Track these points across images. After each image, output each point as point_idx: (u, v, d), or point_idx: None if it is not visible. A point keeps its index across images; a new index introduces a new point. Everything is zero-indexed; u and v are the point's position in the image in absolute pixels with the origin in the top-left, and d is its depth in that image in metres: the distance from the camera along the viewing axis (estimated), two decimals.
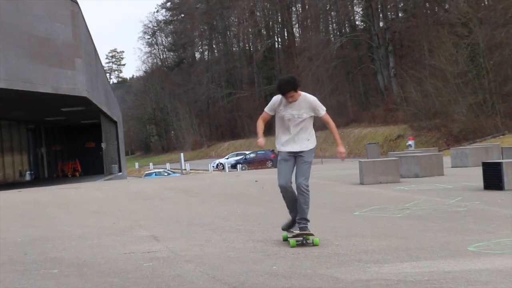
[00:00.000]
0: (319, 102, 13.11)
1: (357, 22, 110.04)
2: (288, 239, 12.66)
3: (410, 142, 61.68)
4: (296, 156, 12.93)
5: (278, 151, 12.83)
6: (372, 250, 11.43)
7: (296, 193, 12.88)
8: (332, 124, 13.13)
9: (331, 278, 9.12)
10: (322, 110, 12.99)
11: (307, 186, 12.79)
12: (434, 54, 76.41)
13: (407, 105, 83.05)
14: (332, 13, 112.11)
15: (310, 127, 13.04)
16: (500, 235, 12.32)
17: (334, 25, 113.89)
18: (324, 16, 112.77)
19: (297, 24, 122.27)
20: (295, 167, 12.97)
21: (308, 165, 12.85)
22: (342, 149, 13.04)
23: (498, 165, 21.35)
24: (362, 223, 15.28)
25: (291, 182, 12.89)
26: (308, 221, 12.81)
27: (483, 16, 73.56)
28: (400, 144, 73.08)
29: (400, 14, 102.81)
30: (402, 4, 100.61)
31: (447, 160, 31.86)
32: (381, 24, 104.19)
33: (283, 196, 13.09)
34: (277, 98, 12.91)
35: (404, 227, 14.20)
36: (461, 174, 26.40)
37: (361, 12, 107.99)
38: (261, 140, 12.89)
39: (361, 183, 24.90)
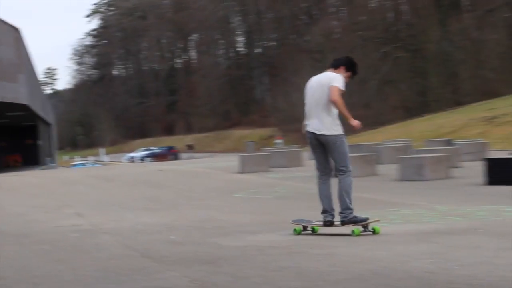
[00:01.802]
0: None
1: (240, 49, 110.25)
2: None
3: (278, 141, 61.85)
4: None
5: (342, 134, 9.65)
6: (248, 223, 11.49)
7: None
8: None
9: (216, 244, 9.15)
10: None
11: None
12: (297, 73, 77.10)
13: (277, 112, 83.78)
14: (221, 41, 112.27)
15: None
16: None
17: (223, 50, 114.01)
18: (215, 43, 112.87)
19: (194, 49, 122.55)
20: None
21: None
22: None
23: None
24: (241, 203, 15.32)
25: None
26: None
27: (334, 45, 74.65)
28: (271, 142, 73.35)
29: (273, 43, 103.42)
30: (274, 35, 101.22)
31: (306, 154, 32.10)
32: (258, 50, 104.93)
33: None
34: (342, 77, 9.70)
35: (273, 206, 14.29)
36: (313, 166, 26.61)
37: (243, 41, 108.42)
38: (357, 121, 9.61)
39: (241, 172, 24.94)
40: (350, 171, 9.56)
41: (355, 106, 73.08)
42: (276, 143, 58.26)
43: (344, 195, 9.37)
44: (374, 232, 9.31)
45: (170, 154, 75.25)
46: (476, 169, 18.63)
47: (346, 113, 9.49)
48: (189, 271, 7.18)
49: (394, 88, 70.42)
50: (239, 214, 13.05)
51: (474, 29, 62.17)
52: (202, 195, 17.42)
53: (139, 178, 24.27)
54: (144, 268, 7.56)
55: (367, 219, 9.42)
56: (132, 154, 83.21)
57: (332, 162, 9.87)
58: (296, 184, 19.43)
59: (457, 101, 55.86)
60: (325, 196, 9.70)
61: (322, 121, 9.51)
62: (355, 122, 9.52)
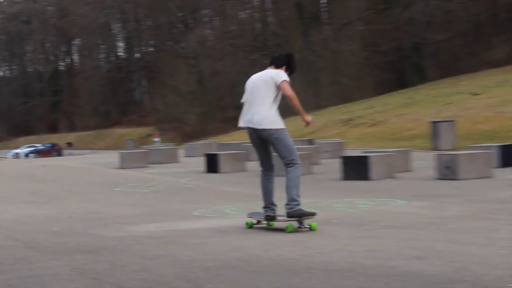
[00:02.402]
0: None
1: (120, 53, 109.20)
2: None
3: (156, 139, 61.44)
4: None
5: (284, 128, 8.85)
6: (127, 215, 11.41)
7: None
8: None
9: (97, 235, 9.05)
10: None
11: None
12: (174, 77, 76.99)
13: (155, 113, 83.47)
14: (102, 46, 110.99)
15: None
16: (216, 204, 12.53)
17: (104, 54, 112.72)
18: (96, 48, 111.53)
19: (77, 53, 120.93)
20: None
21: None
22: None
23: (215, 156, 21.71)
24: (121, 196, 15.19)
25: None
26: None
27: (207, 52, 74.96)
28: (149, 140, 72.94)
29: (151, 49, 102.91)
30: (152, 42, 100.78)
31: (181, 152, 32.09)
32: (137, 55, 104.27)
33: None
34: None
35: (150, 199, 14.23)
36: (191, 162, 26.61)
37: (123, 47, 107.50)
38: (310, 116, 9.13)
39: (121, 168, 24.71)
40: (299, 163, 8.79)
41: (227, 108, 73.80)
42: (154, 141, 57.92)
43: (292, 186, 8.61)
44: (311, 228, 8.48)
45: (53, 150, 74.03)
46: (334, 166, 19.01)
47: (300, 108, 8.80)
48: (70, 260, 7.07)
49: None
50: (119, 206, 12.93)
51: (333, 40, 63.41)
52: (84, 189, 17.19)
53: (23, 173, 23.73)
54: (26, 257, 7.40)
55: (314, 214, 8.61)
56: (17, 151, 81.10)
57: (274, 158, 9.10)
58: (171, 179, 19.39)
59: (318, 105, 56.77)
60: (266, 191, 9.01)
61: (263, 115, 8.68)
62: (308, 118, 8.95)
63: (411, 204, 11.38)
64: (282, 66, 9.02)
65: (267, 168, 9.04)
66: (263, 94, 8.72)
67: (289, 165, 8.67)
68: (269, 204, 8.91)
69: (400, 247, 6.98)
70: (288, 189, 8.61)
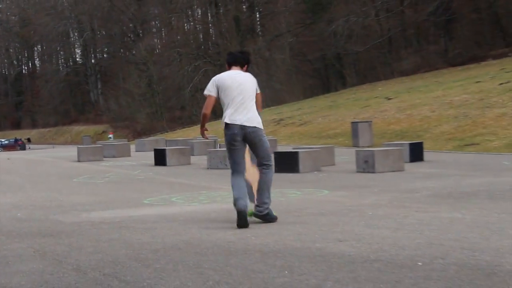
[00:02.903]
0: None
1: (78, 59, 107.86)
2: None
3: (110, 135, 60.81)
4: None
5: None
6: (84, 203, 11.28)
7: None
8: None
9: (57, 221, 8.94)
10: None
11: None
12: (126, 81, 76.42)
13: (109, 112, 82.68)
14: (61, 52, 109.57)
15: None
16: (164, 193, 12.46)
17: (63, 60, 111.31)
18: (56, 54, 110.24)
19: (38, 58, 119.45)
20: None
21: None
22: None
23: (163, 151, 21.61)
24: (78, 186, 15.02)
25: None
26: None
27: (156, 59, 74.61)
28: (104, 136, 72.09)
29: (105, 55, 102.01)
30: (106, 49, 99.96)
31: (133, 147, 31.86)
32: (93, 60, 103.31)
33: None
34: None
35: (105, 189, 14.08)
36: (141, 156, 26.46)
37: (79, 52, 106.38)
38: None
39: (78, 161, 24.40)
40: (272, 165, 8.13)
41: (173, 109, 73.55)
42: (109, 137, 57.33)
43: (265, 189, 7.86)
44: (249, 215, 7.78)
45: (17, 145, 72.88)
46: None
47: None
48: (33, 243, 6.98)
49: (203, 94, 71.22)
50: (77, 195, 12.79)
51: (266, 50, 63.65)
52: (45, 179, 16.96)
53: None
54: None
55: (276, 218, 7.91)
56: None
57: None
58: (124, 171, 19.25)
59: None
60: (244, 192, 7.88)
61: (255, 115, 7.93)
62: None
63: (334, 193, 11.48)
64: (245, 66, 8.31)
65: (242, 172, 7.99)
66: (252, 96, 8.00)
67: (265, 167, 7.98)
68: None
69: (324, 231, 7.03)
70: (261, 191, 7.88)
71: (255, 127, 7.88)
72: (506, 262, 5.07)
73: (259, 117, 8.01)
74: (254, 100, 8.04)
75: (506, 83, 30.31)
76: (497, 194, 10.20)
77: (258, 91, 8.16)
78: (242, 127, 7.84)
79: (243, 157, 8.08)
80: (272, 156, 8.04)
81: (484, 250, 5.59)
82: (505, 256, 5.33)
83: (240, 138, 7.88)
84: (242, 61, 8.33)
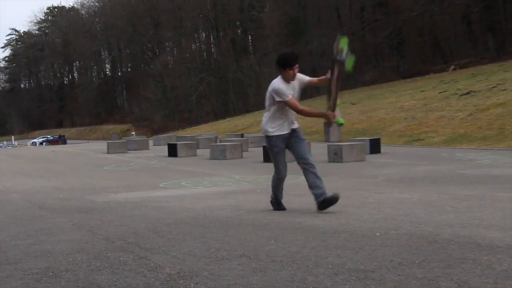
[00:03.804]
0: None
1: (107, 72, 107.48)
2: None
3: (133, 133, 60.56)
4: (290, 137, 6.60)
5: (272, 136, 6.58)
6: (112, 186, 11.26)
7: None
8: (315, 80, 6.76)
9: (91, 200, 8.91)
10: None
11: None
12: (145, 89, 76.14)
13: (132, 114, 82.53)
14: (94, 67, 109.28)
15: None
16: (175, 179, 12.44)
17: (96, 73, 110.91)
18: (90, 68, 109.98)
19: (76, 71, 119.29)
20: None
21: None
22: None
23: (175, 145, 21.55)
24: (108, 173, 14.99)
25: None
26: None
27: (169, 72, 74.47)
28: (128, 133, 71.90)
29: (129, 69, 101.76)
30: (130, 64, 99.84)
31: (151, 142, 31.81)
32: (119, 73, 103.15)
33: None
34: (281, 81, 6.45)
35: (129, 175, 14.06)
36: (158, 149, 26.43)
37: (109, 67, 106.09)
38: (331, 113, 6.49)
39: (108, 153, 24.34)
40: (307, 164, 6.71)
41: (183, 111, 73.31)
42: (132, 134, 57.15)
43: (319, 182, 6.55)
44: None
45: (60, 140, 72.53)
46: (258, 153, 19.09)
47: (315, 113, 6.88)
48: (72, 218, 6.96)
49: (207, 100, 71.06)
50: (106, 180, 12.77)
51: (256, 65, 63.63)
52: (81, 168, 16.91)
53: (38, 156, 23.23)
54: (40, 216, 7.25)
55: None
56: (33, 140, 79.19)
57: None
58: (144, 161, 19.23)
59: (247, 110, 56.90)
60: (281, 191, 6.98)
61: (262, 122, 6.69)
62: (332, 114, 6.61)
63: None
64: (280, 69, 6.52)
65: (285, 175, 6.92)
66: (267, 104, 6.67)
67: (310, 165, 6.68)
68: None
69: (303, 208, 7.03)
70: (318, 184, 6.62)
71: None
72: (445, 232, 5.08)
73: (264, 126, 6.65)
74: (268, 108, 6.55)
75: (444, 92, 30.39)
76: (437, 179, 10.22)
77: (278, 99, 6.42)
78: (293, 130, 6.73)
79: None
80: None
81: (428, 223, 5.60)
82: (444, 227, 5.34)
83: (286, 143, 6.70)
84: (278, 65, 6.61)
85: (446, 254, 4.24)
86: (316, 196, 6.50)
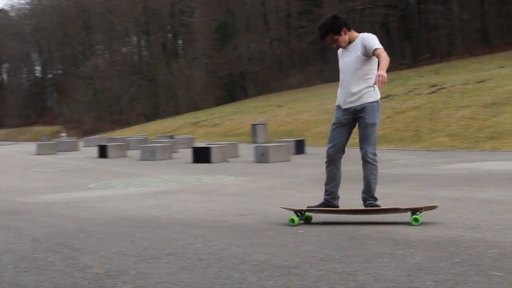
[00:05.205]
0: (372, 36, 5.47)
1: (37, 74, 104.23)
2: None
3: (63, 134, 58.92)
4: (354, 116, 5.80)
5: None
6: (40, 187, 10.93)
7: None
8: (383, 55, 5.21)
9: (19, 202, 8.63)
10: (377, 45, 5.34)
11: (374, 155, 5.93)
12: (76, 91, 74.24)
13: (62, 116, 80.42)
14: (24, 69, 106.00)
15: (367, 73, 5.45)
16: (105, 180, 12.19)
17: (25, 75, 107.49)
18: (20, 70, 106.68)
19: (6, 73, 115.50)
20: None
21: (371, 128, 5.79)
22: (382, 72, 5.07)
23: (105, 146, 21.11)
24: (37, 174, 14.54)
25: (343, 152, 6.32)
26: (376, 199, 5.70)
27: (100, 74, 73.06)
28: (58, 135, 69.82)
29: (59, 71, 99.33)
30: (60, 66, 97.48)
31: (81, 143, 31.06)
32: (50, 75, 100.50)
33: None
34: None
35: (59, 176, 13.68)
36: (88, 150, 25.81)
37: (39, 69, 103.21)
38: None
39: (37, 154, 23.59)
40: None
41: (113, 113, 71.97)
42: (62, 136, 55.60)
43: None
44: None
45: None
46: (187, 154, 18.97)
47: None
48: None
49: (138, 103, 70.15)
50: (35, 181, 12.37)
51: (186, 69, 63.33)
52: (9, 169, 16.30)
53: None
54: None
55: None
56: None
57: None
58: (74, 162, 18.74)
59: (177, 112, 56.54)
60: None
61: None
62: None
63: (238, 179, 11.52)
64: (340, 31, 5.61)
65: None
66: None
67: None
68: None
69: (230, 207, 7.04)
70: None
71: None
72: (363, 229, 5.20)
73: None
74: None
75: None
76: (357, 178, 10.44)
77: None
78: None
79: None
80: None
81: (348, 220, 5.71)
82: (363, 224, 5.46)
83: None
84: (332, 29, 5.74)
85: (364, 249, 4.34)
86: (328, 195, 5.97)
